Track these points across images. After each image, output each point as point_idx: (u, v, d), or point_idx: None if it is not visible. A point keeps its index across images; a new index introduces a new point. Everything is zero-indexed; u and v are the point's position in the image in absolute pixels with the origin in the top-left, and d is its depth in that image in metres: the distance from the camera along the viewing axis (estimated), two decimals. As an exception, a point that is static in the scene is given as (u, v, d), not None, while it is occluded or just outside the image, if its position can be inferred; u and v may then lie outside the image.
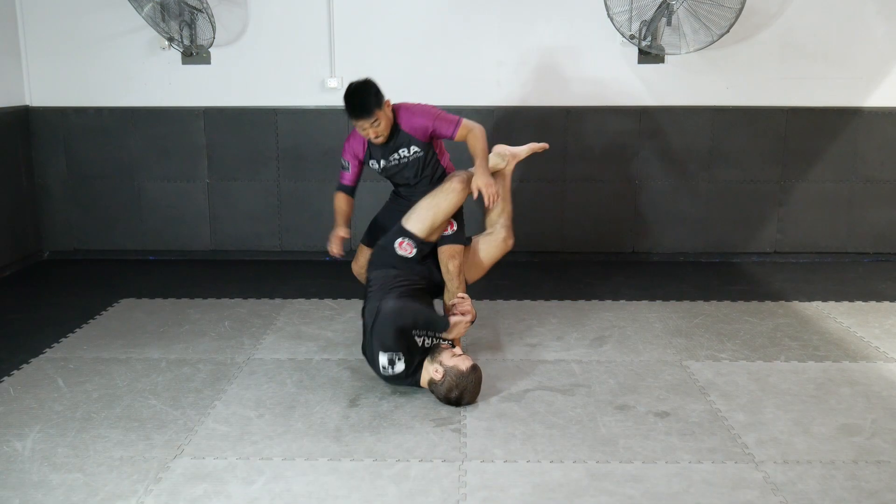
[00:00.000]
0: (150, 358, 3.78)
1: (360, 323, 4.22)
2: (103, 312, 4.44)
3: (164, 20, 5.09)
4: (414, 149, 3.62)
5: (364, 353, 3.46)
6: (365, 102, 3.46)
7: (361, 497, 2.61)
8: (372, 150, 3.67)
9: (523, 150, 4.05)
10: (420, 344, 3.32)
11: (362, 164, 3.76)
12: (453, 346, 3.39)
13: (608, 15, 5.02)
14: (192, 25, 5.17)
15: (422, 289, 3.54)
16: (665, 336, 4.06)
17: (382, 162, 3.67)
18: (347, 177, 3.79)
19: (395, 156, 3.63)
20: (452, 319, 3.42)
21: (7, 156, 5.30)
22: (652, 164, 5.49)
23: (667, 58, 5.31)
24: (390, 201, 3.96)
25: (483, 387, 3.43)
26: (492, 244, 3.87)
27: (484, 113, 5.43)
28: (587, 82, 5.39)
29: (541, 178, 5.42)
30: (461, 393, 3.21)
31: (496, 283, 4.77)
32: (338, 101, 5.42)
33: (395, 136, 3.60)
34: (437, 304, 3.74)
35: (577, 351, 3.86)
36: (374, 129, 3.51)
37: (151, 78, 5.43)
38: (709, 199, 5.54)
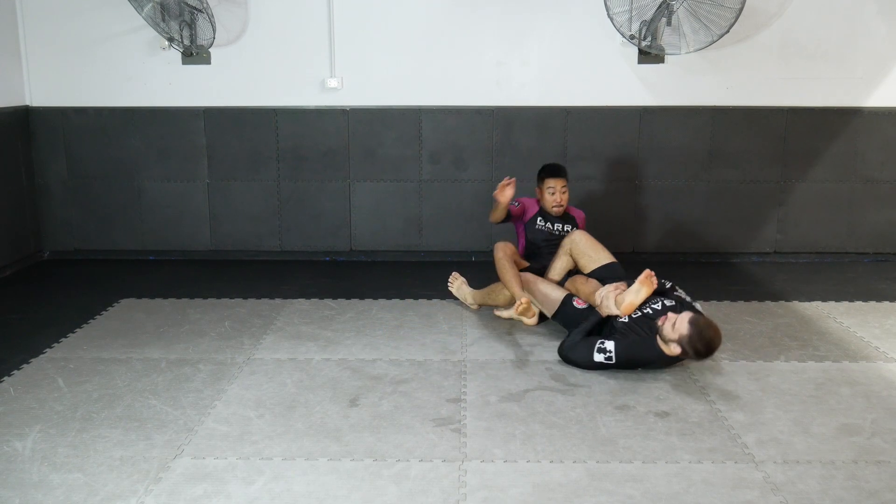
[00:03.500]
0: (150, 358, 3.78)
1: (359, 322, 4.25)
2: (103, 312, 4.44)
3: (164, 20, 5.09)
4: (569, 227, 4.50)
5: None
6: (562, 167, 4.51)
7: (361, 497, 2.61)
8: (543, 217, 4.51)
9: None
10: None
11: (520, 218, 4.54)
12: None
13: (608, 15, 5.02)
14: (192, 25, 5.17)
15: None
16: (665, 336, 4.06)
17: (548, 225, 4.49)
18: (513, 209, 4.48)
19: (559, 227, 4.49)
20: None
21: (7, 156, 5.30)
22: (652, 164, 5.49)
23: (667, 58, 5.31)
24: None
25: (483, 387, 3.44)
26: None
27: (484, 113, 5.43)
28: (587, 82, 5.39)
29: (541, 178, 5.42)
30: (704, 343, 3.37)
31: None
32: (338, 101, 5.48)
33: (566, 215, 4.54)
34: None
35: (577, 351, 3.86)
36: (561, 195, 4.43)
37: (151, 78, 5.43)
38: (709, 199, 5.54)
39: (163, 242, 5.66)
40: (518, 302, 4.02)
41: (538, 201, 4.55)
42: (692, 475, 2.74)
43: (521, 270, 4.29)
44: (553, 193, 4.42)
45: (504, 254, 4.23)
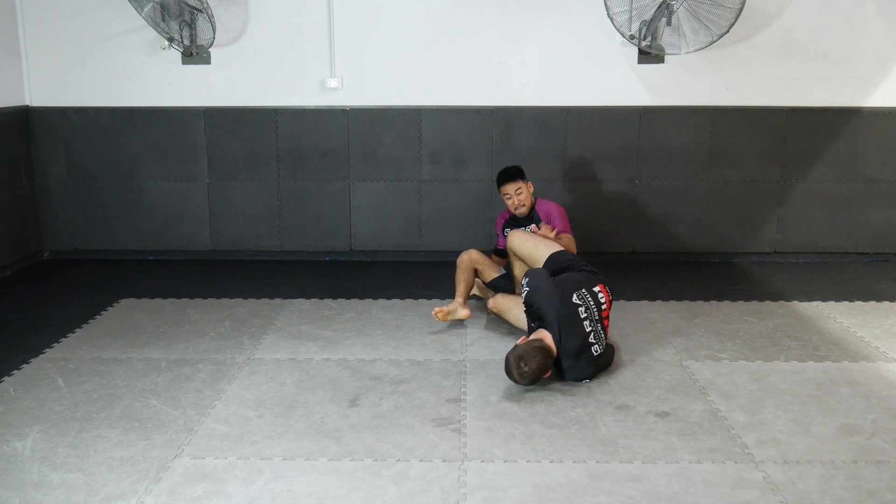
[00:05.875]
0: (150, 358, 3.78)
1: (359, 322, 4.25)
2: (103, 312, 4.44)
3: (164, 20, 5.09)
4: (534, 227, 4.39)
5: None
6: (512, 171, 4.41)
7: (361, 497, 2.61)
8: (510, 223, 4.51)
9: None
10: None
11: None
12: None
13: (608, 15, 5.02)
14: (192, 25, 5.17)
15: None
16: (665, 336, 4.06)
17: (514, 230, 4.34)
18: (500, 242, 4.59)
19: (525, 228, 4.37)
20: None
21: (7, 156, 5.30)
22: (652, 164, 5.49)
23: (667, 58, 5.31)
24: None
25: (483, 387, 3.44)
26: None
27: (484, 113, 5.43)
28: (587, 82, 5.39)
29: (541, 178, 5.41)
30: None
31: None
32: (338, 101, 5.47)
33: (531, 215, 4.44)
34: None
35: (577, 351, 3.86)
36: (517, 198, 4.37)
37: (151, 78, 5.43)
38: (709, 199, 5.54)
39: (163, 242, 5.66)
40: (442, 308, 4.14)
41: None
42: (692, 475, 2.74)
43: (492, 281, 4.47)
44: (509, 198, 4.41)
45: (461, 261, 4.39)
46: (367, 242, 5.64)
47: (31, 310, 4.54)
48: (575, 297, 3.52)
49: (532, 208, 4.47)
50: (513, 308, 4.07)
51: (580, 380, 3.48)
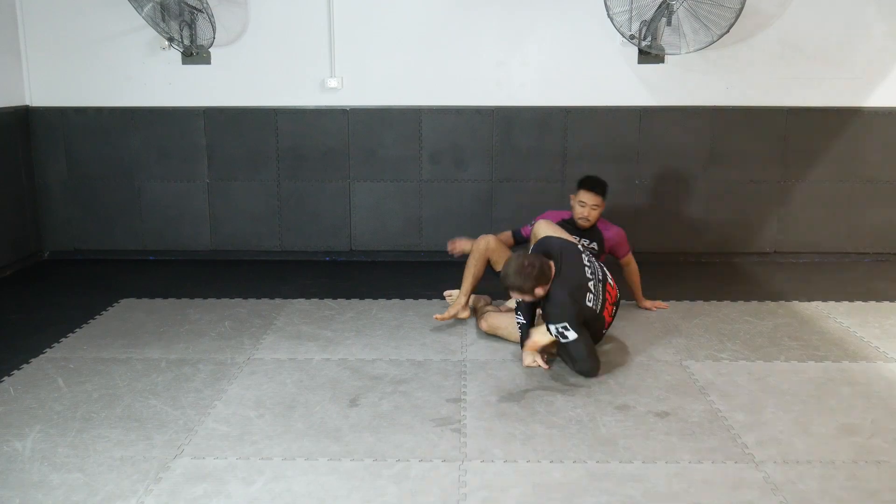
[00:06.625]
0: (150, 358, 3.78)
1: (359, 322, 4.25)
2: (103, 312, 4.44)
3: (164, 20, 5.09)
4: (594, 244, 4.36)
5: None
6: (601, 184, 4.32)
7: (361, 497, 2.61)
8: (567, 226, 4.32)
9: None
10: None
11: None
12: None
13: (608, 15, 5.02)
14: (192, 25, 5.17)
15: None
16: (665, 336, 4.06)
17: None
18: (526, 230, 4.43)
19: (579, 240, 4.14)
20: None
21: (7, 156, 5.30)
22: (652, 164, 5.49)
23: (667, 58, 5.31)
24: None
25: (483, 387, 3.44)
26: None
27: (484, 113, 5.43)
28: (587, 82, 5.39)
29: (541, 178, 5.42)
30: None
31: (496, 283, 4.76)
32: (338, 101, 5.47)
33: (591, 231, 4.37)
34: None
35: (577, 351, 3.86)
36: (591, 211, 4.30)
37: (151, 78, 5.43)
38: (709, 199, 5.54)
39: (163, 242, 5.66)
40: (443, 314, 4.14)
41: (570, 211, 4.44)
42: (692, 475, 2.74)
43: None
44: (583, 206, 4.31)
45: (477, 247, 4.22)
46: (367, 242, 5.64)
47: (32, 310, 4.54)
48: (580, 246, 3.84)
49: (594, 225, 4.38)
50: (507, 325, 4.01)
51: (560, 322, 3.44)
